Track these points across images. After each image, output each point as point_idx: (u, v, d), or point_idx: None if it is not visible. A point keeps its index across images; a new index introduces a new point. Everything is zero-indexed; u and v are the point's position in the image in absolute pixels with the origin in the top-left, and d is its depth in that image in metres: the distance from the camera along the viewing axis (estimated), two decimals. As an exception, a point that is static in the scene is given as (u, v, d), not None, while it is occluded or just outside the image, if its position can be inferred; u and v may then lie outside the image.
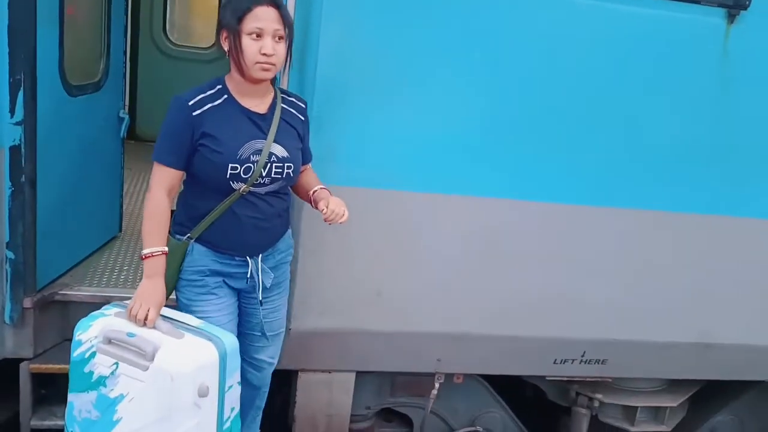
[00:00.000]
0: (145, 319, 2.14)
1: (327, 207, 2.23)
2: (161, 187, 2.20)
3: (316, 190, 2.36)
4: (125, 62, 3.55)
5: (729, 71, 2.74)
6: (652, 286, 3.06)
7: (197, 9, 6.49)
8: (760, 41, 2.74)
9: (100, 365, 2.14)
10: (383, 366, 3.09)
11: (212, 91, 2.19)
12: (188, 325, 2.22)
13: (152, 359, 2.07)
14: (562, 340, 3.12)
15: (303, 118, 2.36)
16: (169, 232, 2.30)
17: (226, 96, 2.20)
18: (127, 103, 5.72)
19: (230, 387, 2.22)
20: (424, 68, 2.60)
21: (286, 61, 2.20)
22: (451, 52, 2.60)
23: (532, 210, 2.85)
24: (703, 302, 3.15)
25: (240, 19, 2.08)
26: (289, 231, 2.48)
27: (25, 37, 2.47)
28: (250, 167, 2.18)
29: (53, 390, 2.84)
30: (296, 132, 2.32)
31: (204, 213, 2.25)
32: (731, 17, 2.68)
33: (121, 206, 3.63)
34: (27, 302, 2.71)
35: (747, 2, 2.66)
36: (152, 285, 2.20)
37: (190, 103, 2.14)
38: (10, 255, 2.62)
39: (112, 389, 2.12)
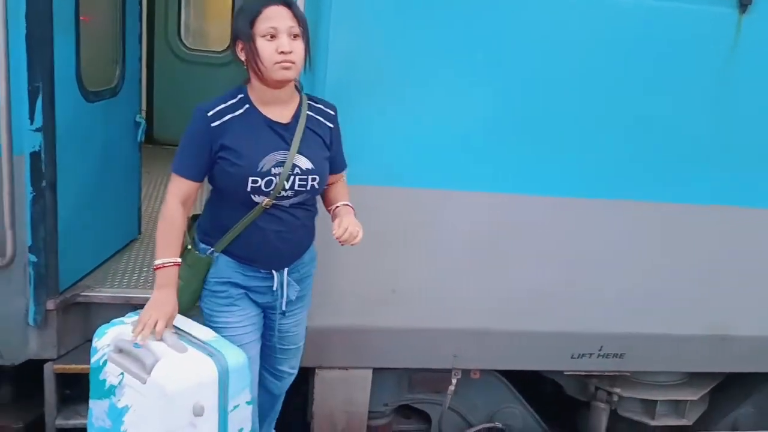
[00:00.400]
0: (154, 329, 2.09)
1: (339, 226, 2.13)
2: (176, 197, 2.15)
3: (337, 206, 2.28)
4: (141, 68, 3.60)
5: (740, 61, 2.72)
6: (668, 278, 3.05)
7: (211, 13, 6.56)
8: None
9: (111, 374, 2.11)
10: (400, 363, 3.11)
11: (233, 101, 2.12)
12: (196, 338, 2.16)
13: (149, 372, 2.00)
14: (579, 335, 3.11)
15: (332, 126, 2.26)
16: (194, 240, 2.28)
17: (247, 106, 2.13)
18: (143, 107, 5.84)
19: (236, 407, 2.12)
20: (431, 68, 2.62)
21: (305, 60, 2.10)
22: (457, 52, 2.62)
23: (546, 204, 2.86)
24: (721, 294, 3.13)
25: (252, 23, 2.02)
26: (314, 243, 2.40)
27: (42, 46, 2.52)
28: (272, 180, 2.10)
29: (77, 390, 2.89)
30: (322, 141, 2.23)
31: (228, 225, 2.19)
32: (743, 6, 2.66)
33: (140, 209, 3.68)
34: (50, 304, 2.77)
35: (758, -8, 2.64)
36: (163, 296, 2.15)
37: (209, 114, 2.08)
38: (33, 258, 2.68)
39: (120, 399, 2.09)
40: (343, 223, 2.13)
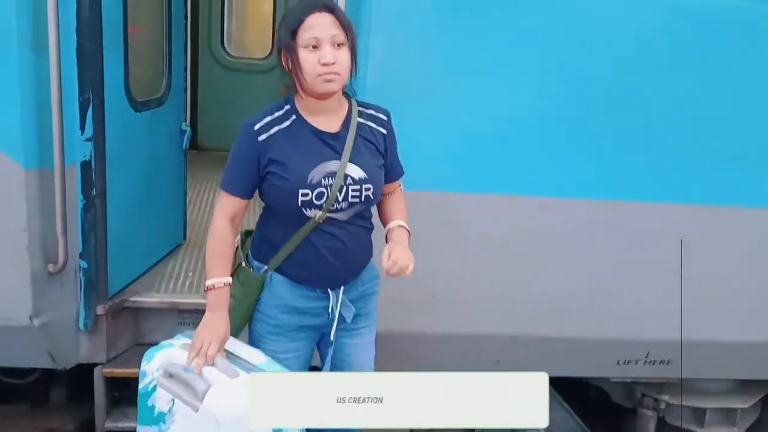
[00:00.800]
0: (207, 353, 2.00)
1: (389, 258, 2.00)
2: (225, 216, 2.07)
3: (391, 228, 2.18)
4: (186, 77, 3.69)
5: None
6: (715, 285, 2.97)
7: (252, 21, 6.67)
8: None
9: (160, 400, 2.04)
10: (441, 368, 3.10)
11: (280, 113, 2.04)
12: (247, 361, 2.05)
13: (202, 399, 1.93)
14: (624, 341, 3.06)
15: (385, 132, 2.15)
16: (247, 257, 2.21)
17: (294, 117, 2.04)
18: (188, 115, 5.97)
19: None
20: (468, 74, 2.61)
21: (352, 69, 1.99)
22: (498, 57, 2.62)
23: (591, 208, 2.81)
24: (771, 299, 3.04)
25: (294, 33, 1.92)
26: (372, 260, 2.25)
27: (92, 59, 2.60)
28: (323, 192, 2.00)
29: (126, 393, 2.97)
30: (376, 148, 2.12)
31: (279, 242, 2.10)
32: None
33: (185, 215, 3.76)
34: (100, 309, 2.85)
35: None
36: (216, 318, 2.05)
37: (255, 128, 2.00)
38: (84, 265, 2.76)
39: (169, 428, 2.02)
40: (394, 254, 2.01)
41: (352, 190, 2.04)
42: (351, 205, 2.05)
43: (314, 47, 1.91)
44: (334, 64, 1.91)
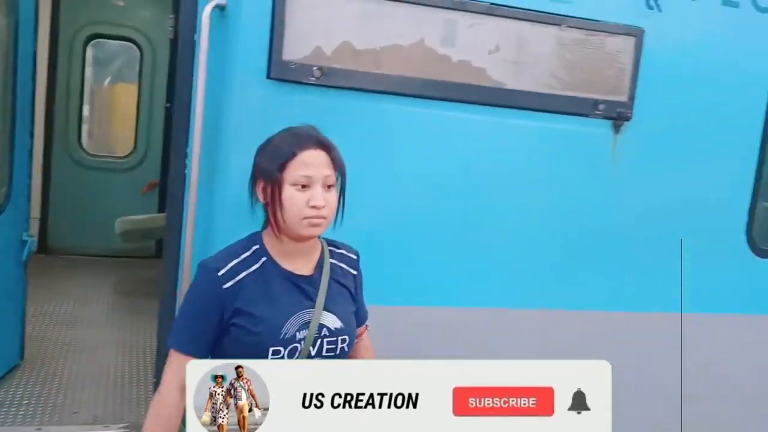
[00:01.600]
0: None
1: None
2: (175, 384, 1.68)
3: None
4: (30, 183, 3.46)
5: (618, 176, 2.89)
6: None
7: (115, 118, 6.49)
8: (644, 147, 2.92)
9: None
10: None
11: (247, 254, 1.75)
12: None
13: None
14: None
15: (355, 272, 1.93)
16: None
17: (264, 258, 1.76)
18: (38, 215, 5.61)
19: None
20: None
21: (337, 212, 1.78)
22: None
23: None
24: None
25: (283, 166, 1.69)
26: None
27: None
28: (296, 347, 1.72)
29: None
30: (348, 292, 1.89)
31: None
32: (617, 128, 2.86)
33: (23, 331, 3.44)
34: None
35: (630, 114, 2.86)
36: None
37: (220, 273, 1.70)
38: None
39: None
40: None
41: (327, 343, 1.77)
42: (324, 359, 1.78)
43: (304, 186, 1.70)
44: (324, 207, 1.71)
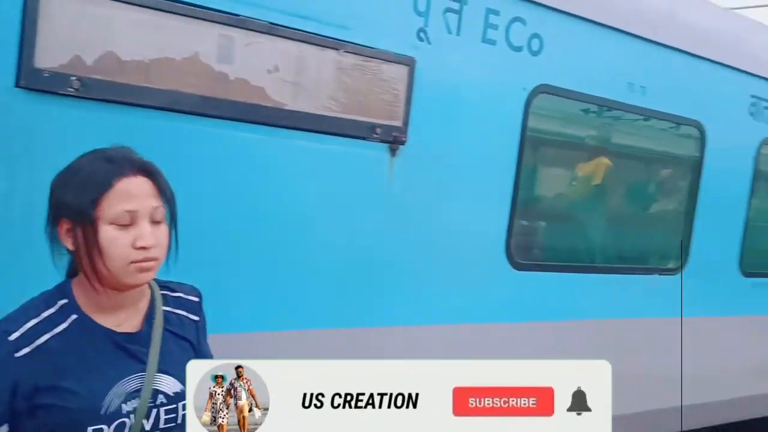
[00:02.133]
0: None
1: None
2: None
3: None
4: None
5: (395, 197, 3.02)
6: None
7: None
8: (417, 170, 3.09)
9: None
10: None
11: (51, 311, 1.40)
12: None
13: None
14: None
15: (197, 318, 1.62)
16: None
17: (75, 316, 1.42)
18: None
19: None
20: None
21: (169, 250, 1.47)
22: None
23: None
24: None
25: (96, 201, 1.36)
26: None
27: None
28: (125, 423, 1.41)
29: None
30: (190, 344, 1.58)
31: None
32: (393, 151, 3.00)
33: None
34: None
35: (404, 138, 3.01)
36: None
37: (12, 338, 1.33)
38: None
39: None
40: None
41: (166, 413, 1.47)
42: None
43: (126, 224, 1.38)
44: (154, 247, 1.40)
